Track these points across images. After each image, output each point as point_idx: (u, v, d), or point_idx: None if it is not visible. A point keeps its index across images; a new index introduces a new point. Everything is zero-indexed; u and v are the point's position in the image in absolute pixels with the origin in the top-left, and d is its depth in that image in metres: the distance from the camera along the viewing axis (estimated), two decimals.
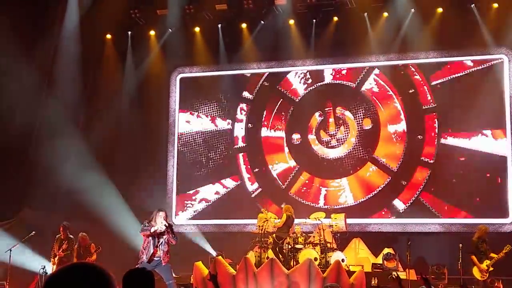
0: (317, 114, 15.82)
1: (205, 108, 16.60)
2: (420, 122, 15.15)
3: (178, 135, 16.61)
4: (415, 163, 15.02)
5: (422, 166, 14.95)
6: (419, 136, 15.11)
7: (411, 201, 14.88)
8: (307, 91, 16.02)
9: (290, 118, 16.05)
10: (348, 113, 15.64)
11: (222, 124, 16.42)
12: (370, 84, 15.60)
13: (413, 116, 15.24)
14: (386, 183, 15.13)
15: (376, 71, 15.61)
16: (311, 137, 15.81)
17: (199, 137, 16.50)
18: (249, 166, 16.13)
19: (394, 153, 15.21)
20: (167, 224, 10.04)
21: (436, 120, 15.03)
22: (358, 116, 15.54)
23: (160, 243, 10.01)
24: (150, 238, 10.03)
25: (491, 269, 12.02)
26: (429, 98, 15.15)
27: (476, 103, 14.58)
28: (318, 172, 15.66)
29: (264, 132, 16.18)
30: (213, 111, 16.54)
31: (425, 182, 14.86)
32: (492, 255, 12.11)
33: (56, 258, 12.77)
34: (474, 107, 14.55)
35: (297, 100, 16.05)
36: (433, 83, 15.15)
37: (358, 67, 15.82)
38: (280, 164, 15.94)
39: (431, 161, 14.91)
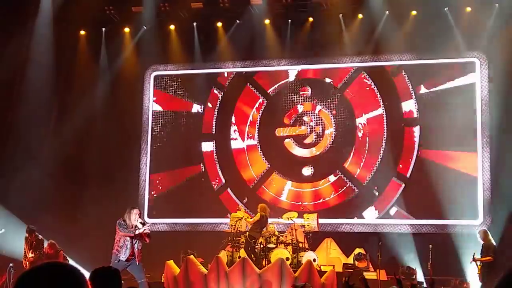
0: (288, 113, 15.85)
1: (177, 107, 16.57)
2: (400, 133, 15.17)
3: (152, 134, 16.52)
4: (390, 176, 15.06)
5: (396, 180, 15.00)
6: (396, 148, 15.09)
7: (381, 215, 14.97)
8: (281, 89, 16.01)
9: (262, 116, 16.05)
10: (325, 112, 15.71)
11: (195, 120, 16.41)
12: (348, 85, 15.61)
13: (393, 125, 15.24)
14: (355, 194, 15.19)
15: (356, 72, 15.60)
16: (283, 134, 15.83)
17: (171, 138, 16.45)
18: (218, 168, 16.13)
19: (367, 163, 15.22)
20: (143, 222, 10.03)
21: (417, 132, 15.00)
22: (338, 117, 15.64)
23: (135, 242, 9.93)
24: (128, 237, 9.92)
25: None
26: (414, 108, 15.12)
27: (456, 120, 14.66)
28: (288, 172, 15.69)
29: (233, 133, 16.16)
30: (185, 111, 16.51)
31: (397, 196, 14.93)
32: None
33: (27, 260, 12.59)
34: (455, 124, 14.63)
35: (271, 96, 16.04)
36: (419, 92, 15.09)
37: (334, 68, 15.87)
38: (252, 164, 15.95)
39: (407, 175, 14.93)
